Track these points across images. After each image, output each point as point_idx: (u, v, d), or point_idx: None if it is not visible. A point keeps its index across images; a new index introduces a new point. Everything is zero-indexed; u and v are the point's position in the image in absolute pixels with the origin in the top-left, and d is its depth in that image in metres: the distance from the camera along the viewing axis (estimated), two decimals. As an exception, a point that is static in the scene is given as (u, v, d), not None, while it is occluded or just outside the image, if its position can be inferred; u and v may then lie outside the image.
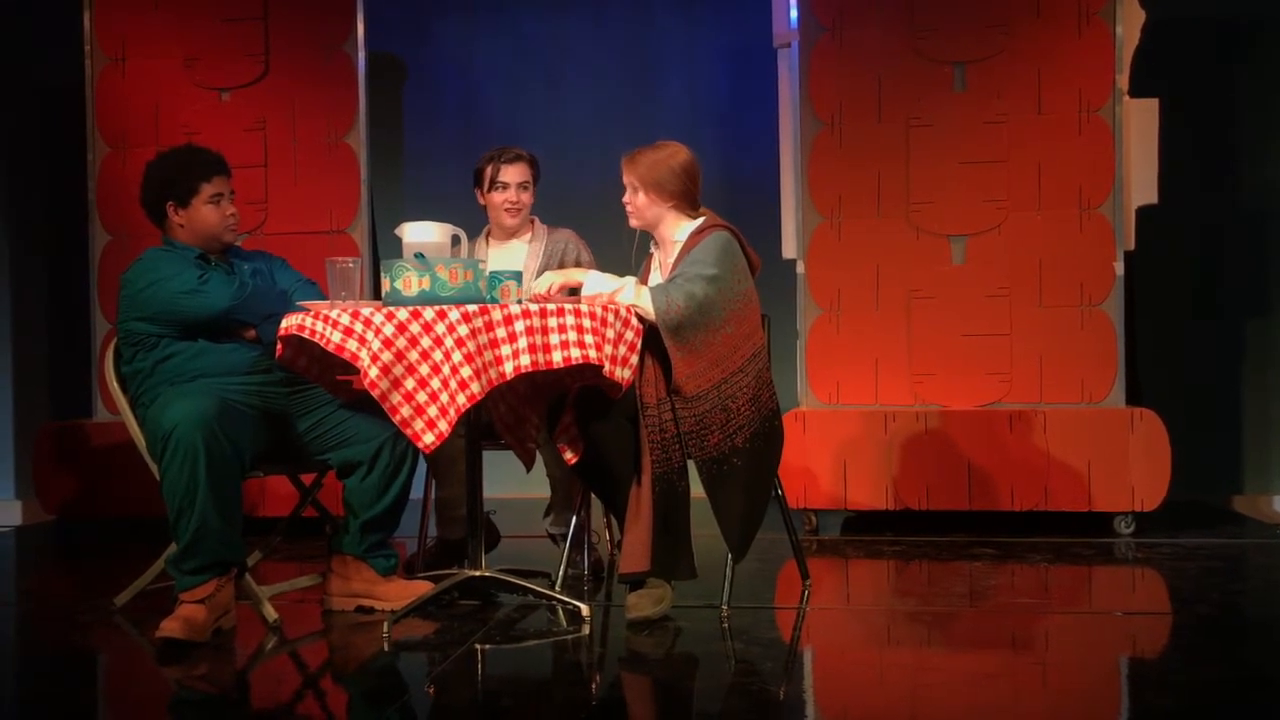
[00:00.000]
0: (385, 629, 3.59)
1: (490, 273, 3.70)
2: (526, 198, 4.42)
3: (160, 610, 3.60)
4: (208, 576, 3.56)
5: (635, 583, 3.68)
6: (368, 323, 3.40)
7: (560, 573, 4.03)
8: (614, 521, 4.48)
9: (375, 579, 3.84)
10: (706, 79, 6.18)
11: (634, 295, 3.66)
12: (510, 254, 4.44)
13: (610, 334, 3.55)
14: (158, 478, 3.60)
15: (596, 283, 3.71)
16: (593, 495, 4.10)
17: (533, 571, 4.12)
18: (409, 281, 3.52)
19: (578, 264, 4.39)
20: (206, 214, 3.84)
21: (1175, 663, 3.41)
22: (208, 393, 3.64)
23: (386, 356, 3.36)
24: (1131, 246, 5.12)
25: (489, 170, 4.40)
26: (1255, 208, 5.72)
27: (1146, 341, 5.56)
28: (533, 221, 4.50)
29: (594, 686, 3.28)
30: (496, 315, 3.44)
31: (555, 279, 3.75)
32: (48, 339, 5.97)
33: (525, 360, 3.44)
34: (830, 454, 5.12)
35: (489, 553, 4.15)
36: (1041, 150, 5.13)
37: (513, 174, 4.39)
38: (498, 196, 4.39)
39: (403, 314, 3.39)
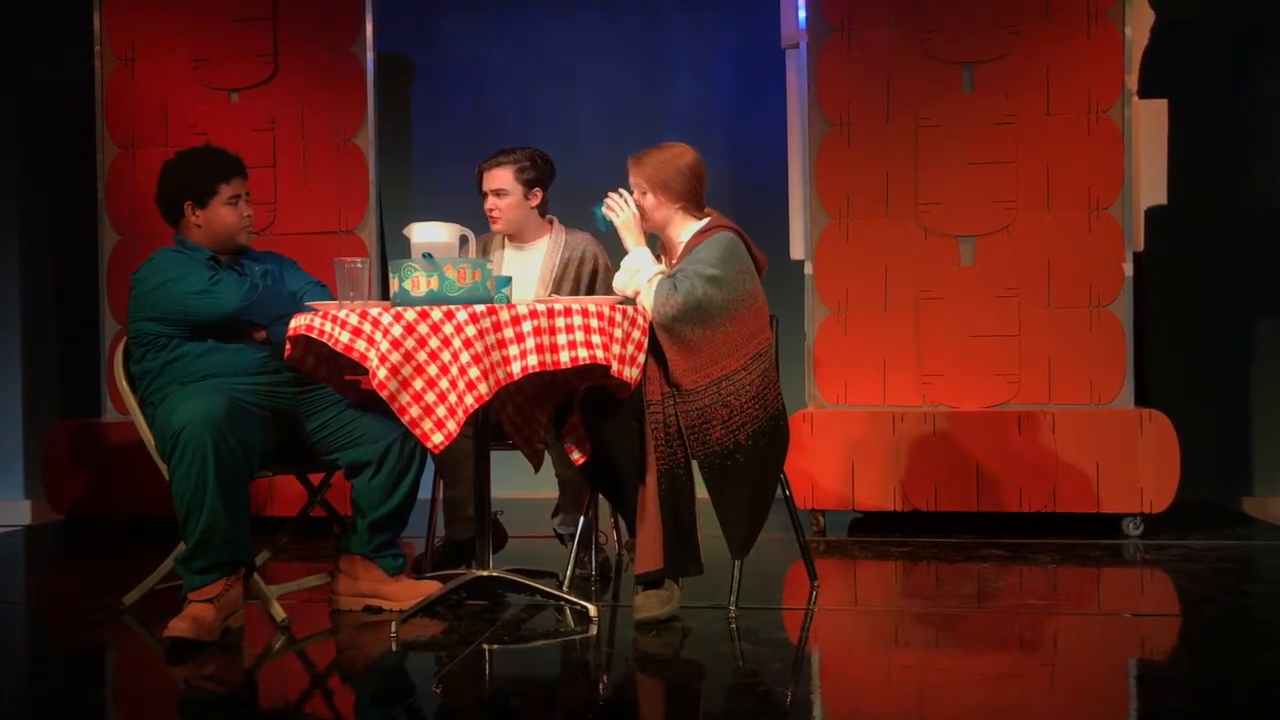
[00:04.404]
0: (393, 629, 3.60)
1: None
2: (505, 204, 4.28)
3: (169, 609, 3.61)
4: (216, 576, 3.57)
5: (651, 582, 3.68)
6: (376, 323, 3.40)
7: (568, 573, 4.03)
8: (622, 522, 4.48)
9: (383, 579, 3.84)
10: (715, 79, 6.18)
11: (645, 293, 3.69)
12: (527, 256, 4.40)
13: (618, 334, 3.56)
14: (166, 477, 3.61)
15: (635, 259, 3.78)
16: (601, 495, 4.09)
17: (540, 572, 4.12)
18: (417, 282, 3.52)
19: (594, 269, 4.37)
20: (224, 215, 3.85)
21: (1184, 664, 3.40)
22: (216, 392, 3.65)
23: (395, 357, 3.37)
24: (1141, 247, 5.11)
25: (477, 177, 4.36)
26: (1264, 208, 5.71)
27: (1155, 343, 5.56)
28: (550, 222, 4.42)
29: (601, 687, 3.28)
30: (504, 316, 3.44)
31: (633, 227, 3.80)
32: (57, 339, 5.99)
33: (533, 361, 3.44)
34: (838, 455, 5.11)
35: (497, 553, 4.16)
36: (1050, 151, 5.12)
37: (489, 181, 4.30)
38: (484, 205, 4.34)
39: (410, 314, 3.40)
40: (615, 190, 3.83)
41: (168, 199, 3.88)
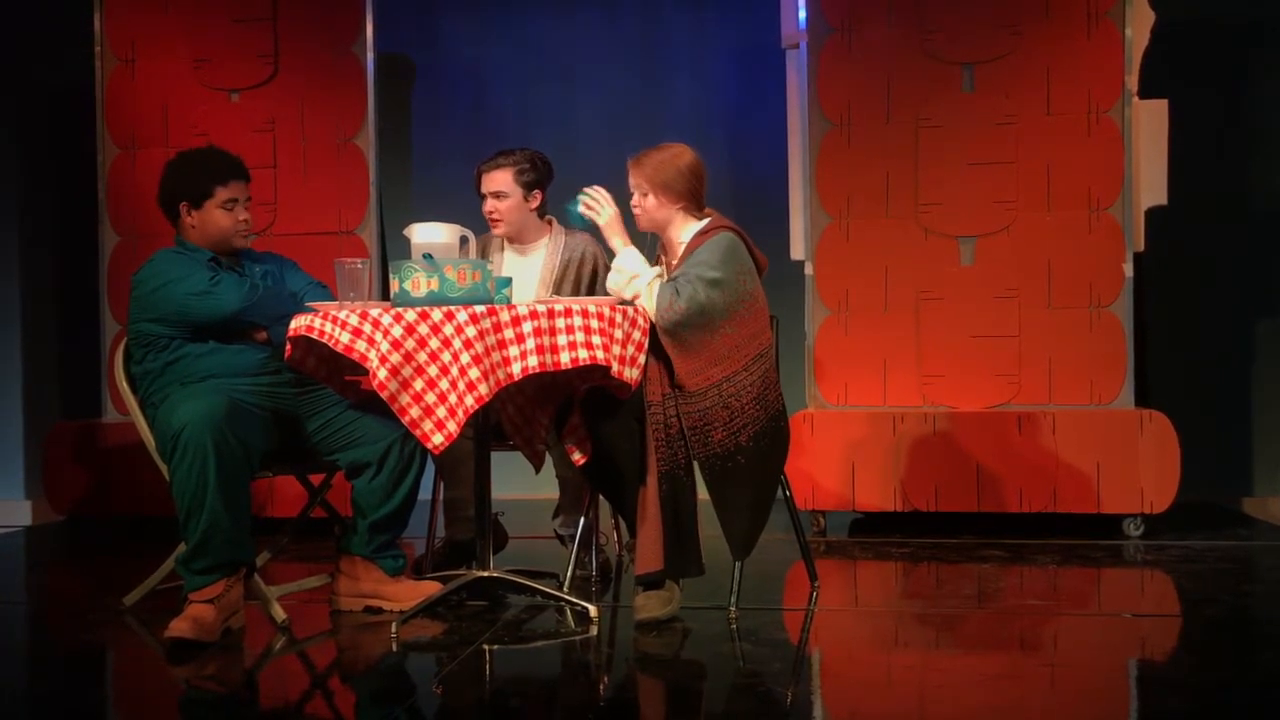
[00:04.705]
0: (393, 629, 3.60)
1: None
2: (505, 207, 4.25)
3: (169, 610, 3.61)
4: (217, 576, 3.57)
5: (652, 582, 3.68)
6: (376, 324, 3.40)
7: (568, 574, 4.03)
8: (622, 523, 4.48)
9: (384, 579, 3.85)
10: (715, 79, 6.18)
11: (646, 296, 3.68)
12: (526, 258, 4.38)
13: (619, 334, 3.56)
14: (167, 478, 3.61)
15: (627, 262, 3.75)
16: (601, 496, 4.09)
17: (541, 572, 4.12)
18: (417, 282, 3.52)
19: (594, 270, 4.36)
20: (218, 218, 3.84)
21: (1184, 664, 3.41)
22: (217, 393, 3.65)
23: (395, 358, 3.37)
24: (1141, 248, 5.11)
25: (475, 179, 4.34)
26: (1264, 208, 5.71)
27: (1155, 343, 5.56)
28: (549, 224, 4.40)
29: (602, 687, 3.28)
30: (504, 316, 3.44)
31: (616, 227, 3.79)
32: (57, 339, 5.99)
33: (533, 361, 3.44)
34: (838, 455, 5.11)
35: (497, 554, 4.16)
36: (1050, 151, 5.12)
37: (488, 183, 4.27)
38: (483, 207, 4.31)
39: (411, 315, 3.40)
40: (591, 187, 3.82)
41: (167, 199, 3.88)
